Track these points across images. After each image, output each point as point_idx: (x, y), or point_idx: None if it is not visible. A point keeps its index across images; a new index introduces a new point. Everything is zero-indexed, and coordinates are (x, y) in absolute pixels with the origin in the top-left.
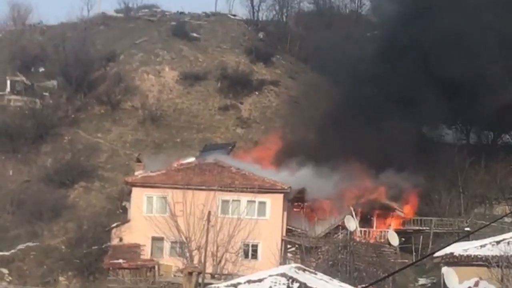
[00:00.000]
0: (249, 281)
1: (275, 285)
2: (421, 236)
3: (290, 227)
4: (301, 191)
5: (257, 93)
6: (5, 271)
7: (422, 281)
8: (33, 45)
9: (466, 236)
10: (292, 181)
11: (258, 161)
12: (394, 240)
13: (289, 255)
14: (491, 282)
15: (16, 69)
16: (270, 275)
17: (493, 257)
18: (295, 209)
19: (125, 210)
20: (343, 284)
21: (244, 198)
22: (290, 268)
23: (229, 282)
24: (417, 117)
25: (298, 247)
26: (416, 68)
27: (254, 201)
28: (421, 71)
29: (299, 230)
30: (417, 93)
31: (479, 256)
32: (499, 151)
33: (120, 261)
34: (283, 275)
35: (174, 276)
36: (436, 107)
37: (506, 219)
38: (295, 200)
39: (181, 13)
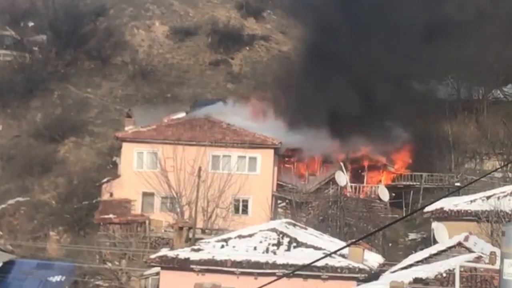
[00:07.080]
0: (239, 236)
1: (265, 240)
2: (412, 191)
3: (280, 182)
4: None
5: (248, 48)
6: None
7: (412, 235)
8: None
9: (456, 191)
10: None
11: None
12: (385, 195)
13: (279, 210)
14: (481, 237)
15: (5, 23)
16: (260, 230)
17: (483, 212)
18: (286, 165)
19: (115, 165)
20: (333, 239)
21: (235, 153)
22: (280, 223)
23: (219, 237)
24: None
25: (289, 202)
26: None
27: (244, 157)
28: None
29: (289, 186)
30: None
31: (469, 211)
32: (489, 106)
33: (111, 216)
34: (273, 230)
35: (165, 231)
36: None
37: (496, 174)
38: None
39: None
